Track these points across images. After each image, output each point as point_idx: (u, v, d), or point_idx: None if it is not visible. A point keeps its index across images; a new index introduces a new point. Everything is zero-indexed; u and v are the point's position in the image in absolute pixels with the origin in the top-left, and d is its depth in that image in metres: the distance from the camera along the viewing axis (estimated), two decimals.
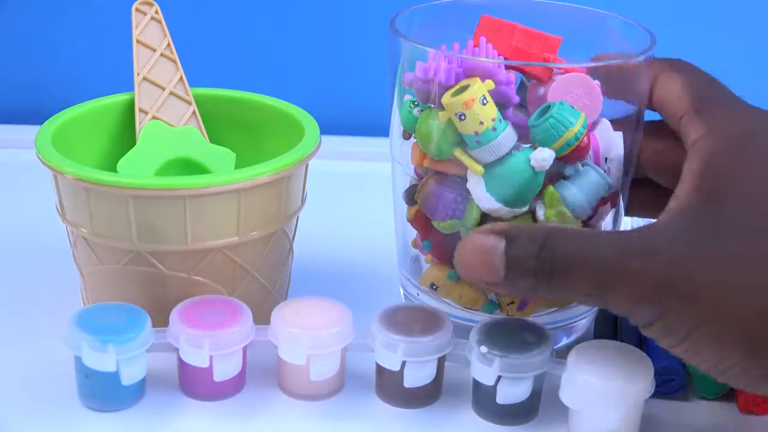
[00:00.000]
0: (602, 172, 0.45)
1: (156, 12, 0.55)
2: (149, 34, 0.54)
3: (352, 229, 0.62)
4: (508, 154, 0.45)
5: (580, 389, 0.43)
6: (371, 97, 0.66)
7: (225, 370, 0.45)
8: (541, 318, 0.48)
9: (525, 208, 0.45)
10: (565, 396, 0.43)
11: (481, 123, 0.44)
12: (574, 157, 0.45)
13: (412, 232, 0.51)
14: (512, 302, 0.48)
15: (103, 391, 0.45)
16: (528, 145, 0.45)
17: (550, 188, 0.45)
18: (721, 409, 0.47)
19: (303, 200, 0.52)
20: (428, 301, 0.50)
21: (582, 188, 0.45)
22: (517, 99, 0.45)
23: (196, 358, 0.44)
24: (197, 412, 0.46)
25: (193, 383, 0.46)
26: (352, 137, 0.75)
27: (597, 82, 0.45)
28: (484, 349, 0.44)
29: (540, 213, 0.45)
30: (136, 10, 0.55)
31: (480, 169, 0.45)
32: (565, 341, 0.50)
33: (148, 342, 0.45)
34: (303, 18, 0.76)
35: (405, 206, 0.50)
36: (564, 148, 0.44)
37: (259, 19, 0.77)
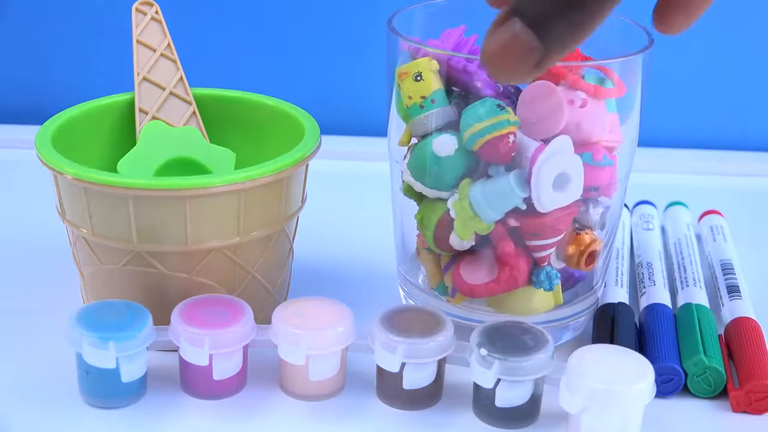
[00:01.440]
0: (517, 183, 0.44)
1: (156, 12, 0.55)
2: (149, 34, 0.54)
3: (352, 230, 0.62)
4: (431, 134, 0.46)
5: (579, 393, 0.43)
6: (371, 98, 0.65)
7: (225, 369, 0.45)
8: (538, 317, 0.48)
9: (448, 194, 0.46)
10: (565, 400, 0.43)
11: (410, 98, 0.46)
12: (485, 155, 0.45)
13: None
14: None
15: (103, 388, 0.45)
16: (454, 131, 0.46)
17: (466, 180, 0.46)
18: (715, 408, 0.47)
19: (303, 200, 0.52)
20: (427, 300, 0.50)
21: (486, 191, 0.45)
22: (486, 91, 0.45)
23: (196, 357, 0.44)
24: (197, 411, 0.46)
25: (194, 382, 0.46)
26: (352, 137, 0.75)
27: (582, 97, 0.44)
28: (483, 351, 0.44)
29: (450, 202, 0.46)
30: (136, 10, 0.55)
31: (403, 140, 0.48)
32: (563, 339, 0.50)
33: (148, 340, 0.45)
34: (303, 18, 0.76)
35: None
36: (470, 141, 0.44)
37: (259, 20, 0.77)
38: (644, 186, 0.64)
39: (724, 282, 0.54)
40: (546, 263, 0.48)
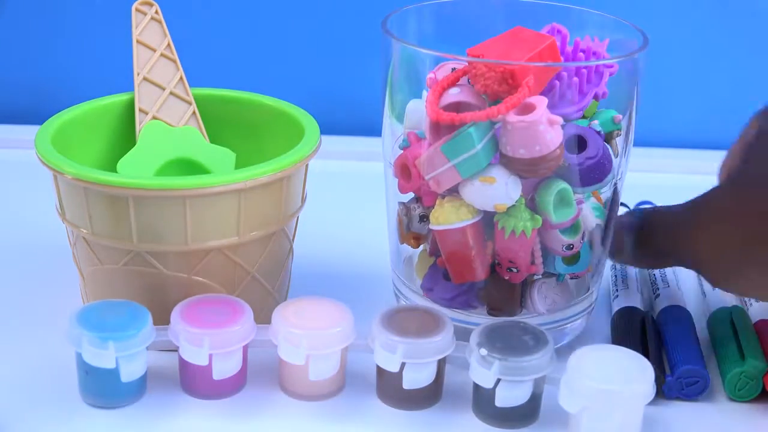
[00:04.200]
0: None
1: (156, 12, 0.55)
2: (149, 34, 0.54)
3: (352, 230, 0.62)
4: None
5: (579, 393, 0.43)
6: (371, 98, 0.65)
7: (224, 369, 0.45)
8: (534, 320, 0.48)
9: None
10: (565, 400, 0.43)
11: None
12: None
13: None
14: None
15: (103, 388, 0.45)
16: None
17: None
18: (715, 408, 0.47)
19: (303, 200, 0.52)
20: (420, 302, 0.50)
21: None
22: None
23: (196, 357, 0.44)
24: (197, 411, 0.46)
25: (194, 381, 0.46)
26: (352, 137, 0.75)
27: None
28: (483, 351, 0.44)
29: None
30: (136, 10, 0.55)
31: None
32: (560, 343, 0.50)
33: (148, 340, 0.45)
34: (303, 18, 0.76)
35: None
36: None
37: (259, 19, 0.77)
38: (645, 186, 0.64)
39: None
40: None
